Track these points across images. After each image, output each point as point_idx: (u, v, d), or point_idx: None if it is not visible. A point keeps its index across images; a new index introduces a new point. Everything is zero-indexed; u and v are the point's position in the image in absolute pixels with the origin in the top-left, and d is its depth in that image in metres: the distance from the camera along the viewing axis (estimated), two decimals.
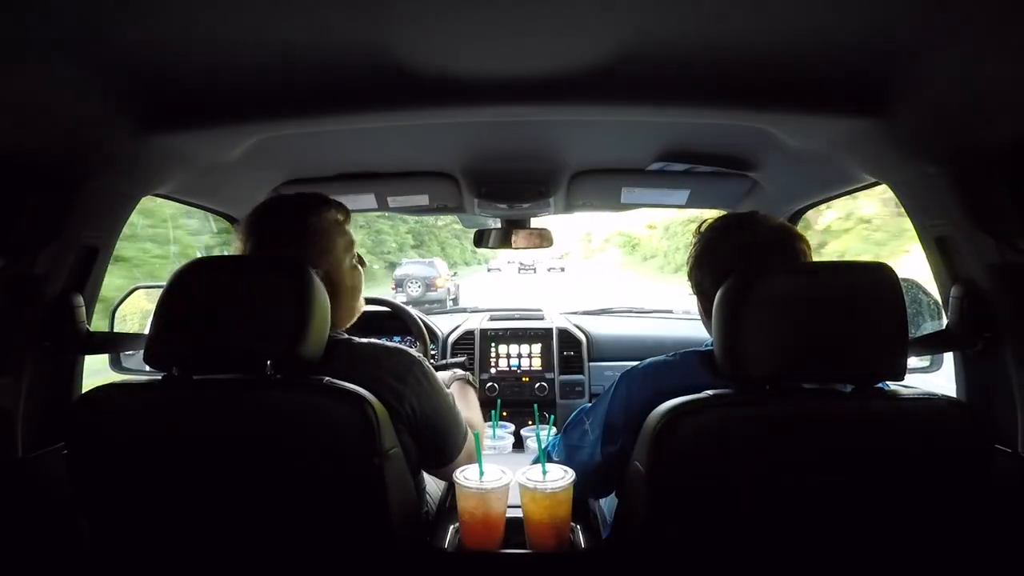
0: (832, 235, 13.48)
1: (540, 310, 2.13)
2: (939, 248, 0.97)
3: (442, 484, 1.23)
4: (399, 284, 12.43)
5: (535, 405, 1.29)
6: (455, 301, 11.95)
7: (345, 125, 0.96)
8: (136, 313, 1.48)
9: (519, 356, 1.84)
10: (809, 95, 0.84)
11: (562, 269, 34.36)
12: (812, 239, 1.01)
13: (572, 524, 0.92)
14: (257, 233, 0.96)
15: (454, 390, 1.26)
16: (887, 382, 0.79)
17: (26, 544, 0.90)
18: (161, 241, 7.99)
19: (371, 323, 1.81)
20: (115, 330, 1.39)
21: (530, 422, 1.48)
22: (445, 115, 0.93)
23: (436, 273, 12.54)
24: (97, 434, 0.78)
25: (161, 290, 0.82)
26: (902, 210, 1.02)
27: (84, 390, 0.90)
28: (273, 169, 1.35)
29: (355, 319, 1.07)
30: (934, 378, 1.25)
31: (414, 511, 0.94)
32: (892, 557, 0.80)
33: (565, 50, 0.75)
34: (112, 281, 1.09)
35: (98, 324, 1.05)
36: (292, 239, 0.95)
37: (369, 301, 1.76)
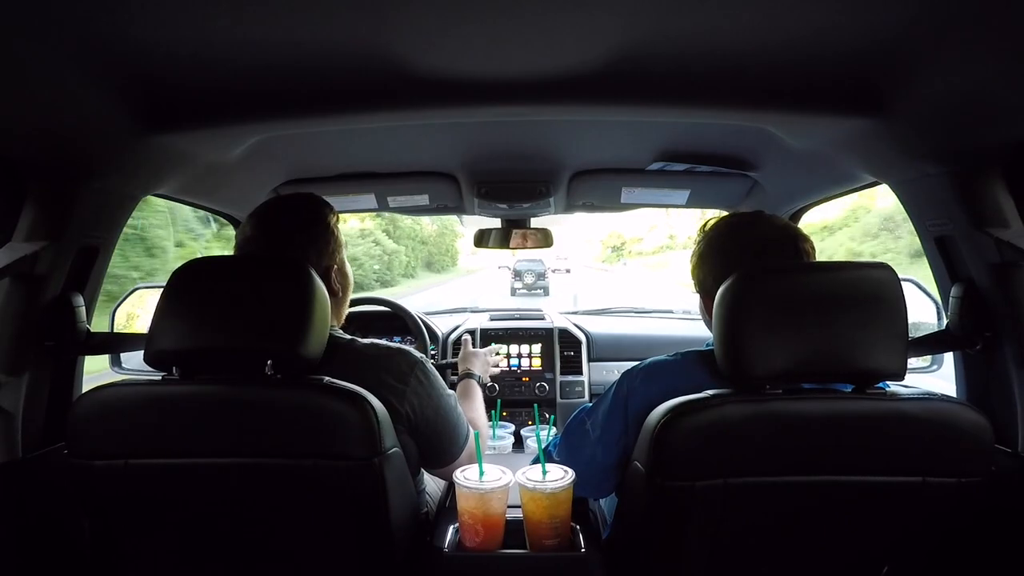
0: None
1: (540, 310, 2.13)
2: (939, 248, 0.97)
3: (442, 484, 1.23)
4: (517, 274, 17.19)
5: (535, 405, 1.29)
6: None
7: (345, 125, 0.96)
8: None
9: (519, 356, 1.84)
10: (809, 95, 0.83)
11: (567, 270, 34.09)
12: None
13: (572, 524, 0.91)
14: (267, 232, 0.95)
15: (458, 388, 1.26)
16: (887, 382, 0.79)
17: (26, 544, 0.90)
18: None
19: (371, 323, 1.82)
20: (115, 330, 1.39)
21: (530, 422, 1.49)
22: (445, 115, 0.93)
23: (544, 268, 17.60)
24: (97, 434, 0.78)
25: (161, 290, 0.82)
26: None
27: (84, 390, 0.90)
28: (273, 169, 1.35)
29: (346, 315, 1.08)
30: (934, 379, 1.25)
31: (414, 511, 0.94)
32: (892, 557, 0.80)
33: (565, 50, 0.75)
34: None
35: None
36: (310, 237, 0.96)
37: (370, 301, 1.77)
